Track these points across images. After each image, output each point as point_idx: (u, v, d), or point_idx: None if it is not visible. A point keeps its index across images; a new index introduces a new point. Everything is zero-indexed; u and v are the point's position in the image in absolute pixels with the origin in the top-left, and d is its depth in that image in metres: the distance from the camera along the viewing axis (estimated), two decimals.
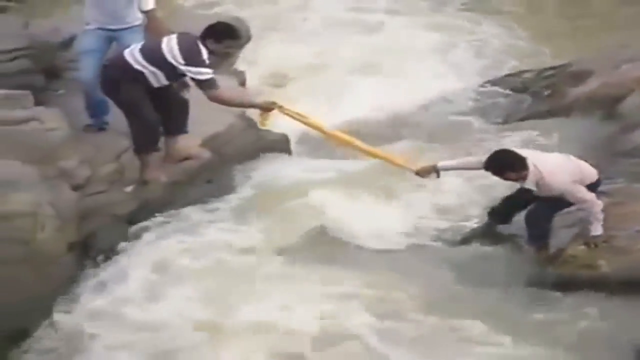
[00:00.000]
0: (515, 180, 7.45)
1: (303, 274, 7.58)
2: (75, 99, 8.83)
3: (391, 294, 7.33)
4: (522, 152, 7.51)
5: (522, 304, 7.24)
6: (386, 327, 6.95)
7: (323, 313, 7.05)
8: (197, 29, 8.04)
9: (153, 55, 7.89)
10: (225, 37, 7.99)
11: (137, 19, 8.71)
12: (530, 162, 7.32)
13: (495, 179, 7.65)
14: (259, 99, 8.81)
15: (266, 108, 8.23)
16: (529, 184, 7.37)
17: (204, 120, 8.65)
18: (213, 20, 8.24)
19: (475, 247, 7.97)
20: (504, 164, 7.40)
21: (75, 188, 7.69)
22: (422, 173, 8.01)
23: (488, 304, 7.24)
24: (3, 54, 9.11)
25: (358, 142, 8.48)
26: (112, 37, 8.73)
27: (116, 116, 8.35)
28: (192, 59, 7.81)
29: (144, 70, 7.90)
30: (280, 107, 8.20)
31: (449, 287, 7.48)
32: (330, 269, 7.65)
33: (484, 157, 7.55)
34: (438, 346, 6.80)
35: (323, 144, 9.56)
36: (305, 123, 8.42)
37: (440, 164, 7.95)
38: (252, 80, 11.29)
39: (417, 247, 8.15)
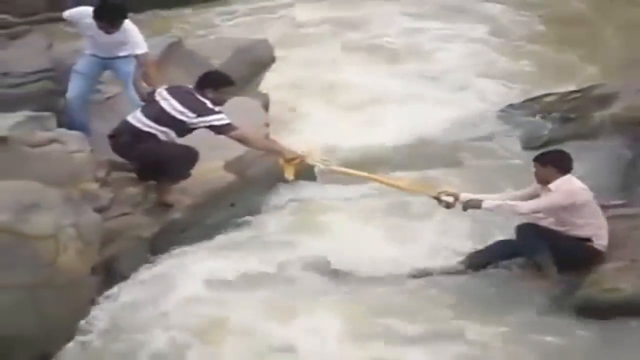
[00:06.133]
0: (546, 180, 7.57)
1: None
2: (98, 121, 8.85)
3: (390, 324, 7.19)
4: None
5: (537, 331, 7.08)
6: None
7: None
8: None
9: (160, 116, 7.93)
10: (221, 85, 8.12)
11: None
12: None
13: None
14: (284, 146, 8.34)
15: (291, 157, 8.09)
16: (552, 186, 7.53)
17: (225, 144, 8.57)
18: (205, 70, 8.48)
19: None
20: (556, 160, 7.65)
21: (99, 210, 7.61)
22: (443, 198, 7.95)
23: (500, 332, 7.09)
24: (26, 75, 9.14)
25: (385, 179, 8.53)
26: (106, 65, 9.07)
27: None
28: (201, 110, 7.89)
29: (154, 131, 7.93)
30: (306, 157, 8.15)
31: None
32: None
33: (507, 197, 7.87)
34: None
35: None
36: (335, 171, 8.41)
37: (464, 195, 7.90)
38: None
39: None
